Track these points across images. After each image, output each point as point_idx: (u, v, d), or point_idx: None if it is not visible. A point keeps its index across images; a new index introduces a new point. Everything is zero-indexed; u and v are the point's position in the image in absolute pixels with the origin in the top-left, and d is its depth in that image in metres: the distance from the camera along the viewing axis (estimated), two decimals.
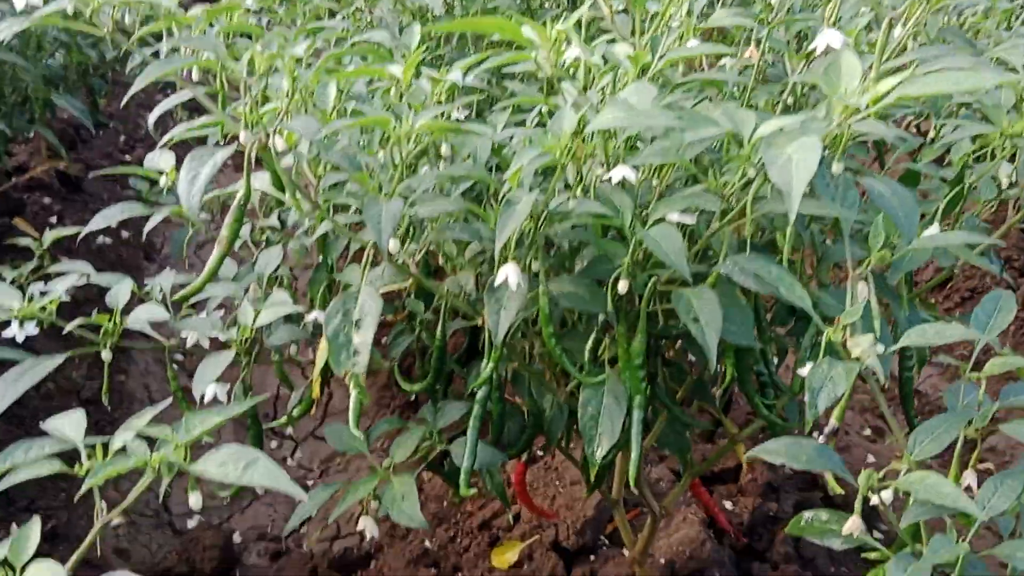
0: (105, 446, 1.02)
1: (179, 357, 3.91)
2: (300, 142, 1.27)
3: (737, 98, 1.69)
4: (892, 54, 1.30)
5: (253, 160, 1.15)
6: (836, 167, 1.10)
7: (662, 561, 2.53)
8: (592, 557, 2.63)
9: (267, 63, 1.05)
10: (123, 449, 0.97)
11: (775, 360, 1.67)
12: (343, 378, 1.15)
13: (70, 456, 1.04)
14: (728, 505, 2.84)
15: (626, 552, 2.63)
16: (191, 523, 3.17)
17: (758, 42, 1.59)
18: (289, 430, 3.76)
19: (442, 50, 2.19)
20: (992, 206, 1.65)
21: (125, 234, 4.49)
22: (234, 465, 0.91)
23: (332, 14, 2.46)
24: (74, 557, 0.94)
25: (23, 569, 0.90)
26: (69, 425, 1.04)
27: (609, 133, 1.24)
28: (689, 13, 1.36)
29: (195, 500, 1.00)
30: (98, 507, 0.99)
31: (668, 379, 1.80)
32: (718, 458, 2.01)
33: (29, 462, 1.02)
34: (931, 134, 1.76)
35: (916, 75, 0.96)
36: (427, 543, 2.83)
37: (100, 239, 4.28)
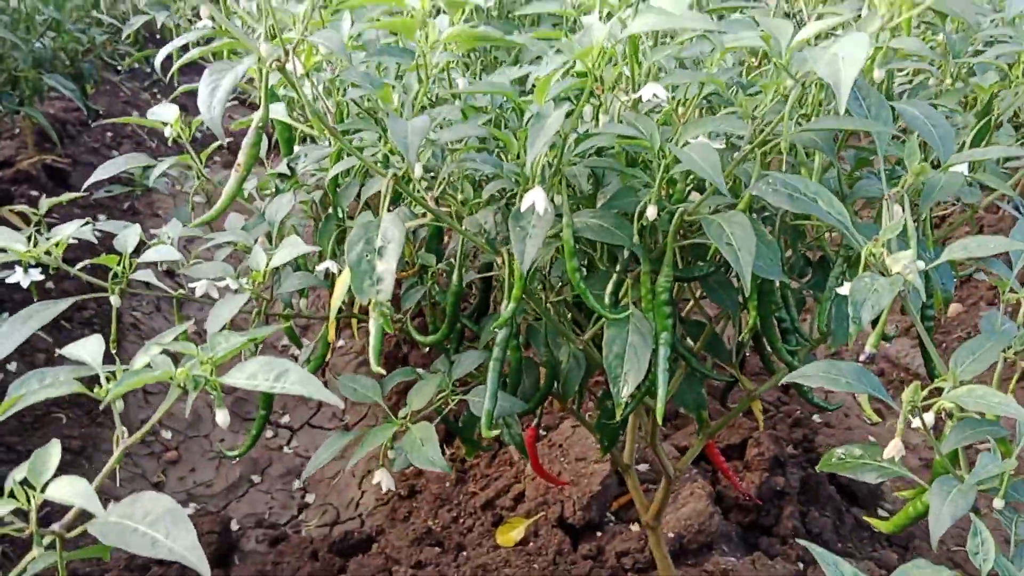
0: (126, 371, 0.97)
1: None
2: (315, 76, 1.23)
3: None
4: None
5: (270, 80, 1.11)
6: (878, 73, 1.08)
7: (671, 535, 2.50)
8: (599, 533, 2.59)
9: None
10: (148, 366, 0.93)
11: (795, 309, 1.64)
12: (367, 305, 1.11)
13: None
14: None
15: (634, 527, 2.59)
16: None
17: None
18: (285, 419, 3.72)
19: None
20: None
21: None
22: (264, 376, 0.87)
23: None
24: (98, 477, 0.90)
25: (44, 487, 0.86)
26: (87, 350, 1.00)
27: (635, 58, 1.21)
28: None
29: (222, 417, 0.95)
30: (118, 431, 0.95)
31: (683, 336, 1.77)
32: (736, 415, 1.98)
33: (45, 387, 0.97)
34: (947, 82, 1.75)
35: None
36: (430, 523, 2.78)
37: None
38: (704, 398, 1.80)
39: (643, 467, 2.88)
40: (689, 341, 1.80)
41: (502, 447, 2.91)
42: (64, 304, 1.29)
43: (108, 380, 0.97)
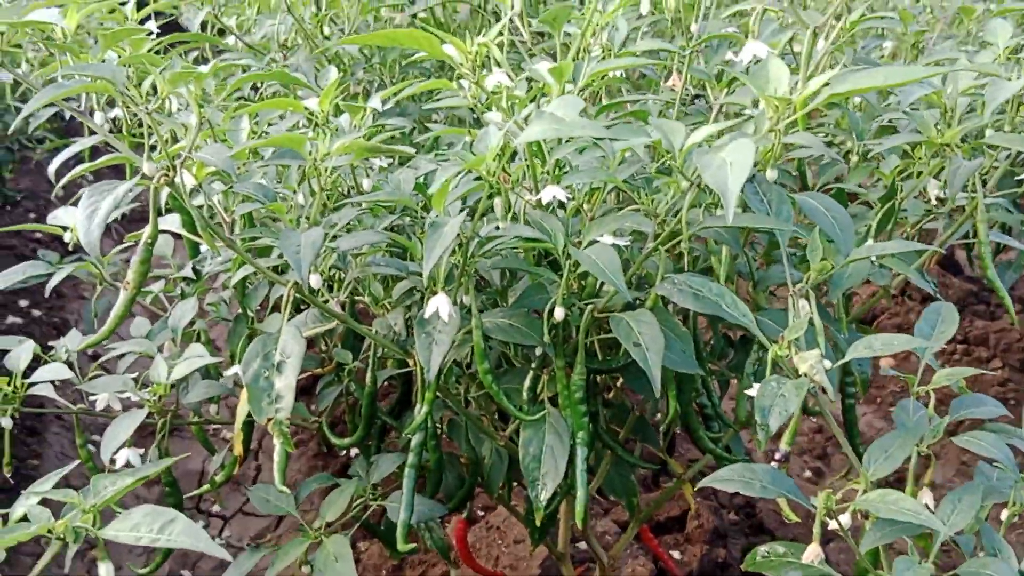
0: (4, 517, 0.91)
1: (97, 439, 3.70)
2: (210, 180, 1.20)
3: None
4: (815, 70, 1.29)
5: (159, 195, 1.07)
6: (770, 173, 1.08)
7: None
8: None
9: (170, 86, 0.99)
10: (25, 517, 0.87)
11: (717, 393, 1.63)
12: (265, 426, 1.06)
13: None
14: (676, 554, 2.76)
15: None
16: None
17: (680, 71, 1.58)
18: (216, 507, 3.60)
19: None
20: (918, 228, 1.65)
21: (37, 313, 4.30)
22: (148, 527, 0.82)
23: (245, 71, 2.40)
24: None
25: None
26: None
27: (537, 155, 1.20)
28: (610, 39, 1.35)
29: (105, 570, 0.89)
30: None
31: (609, 419, 1.74)
32: (666, 500, 1.95)
33: None
34: (854, 159, 1.77)
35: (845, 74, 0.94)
36: None
37: (10, 319, 4.09)
38: (633, 484, 1.77)
39: (583, 544, 2.83)
40: (615, 424, 1.78)
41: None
42: None
43: None
